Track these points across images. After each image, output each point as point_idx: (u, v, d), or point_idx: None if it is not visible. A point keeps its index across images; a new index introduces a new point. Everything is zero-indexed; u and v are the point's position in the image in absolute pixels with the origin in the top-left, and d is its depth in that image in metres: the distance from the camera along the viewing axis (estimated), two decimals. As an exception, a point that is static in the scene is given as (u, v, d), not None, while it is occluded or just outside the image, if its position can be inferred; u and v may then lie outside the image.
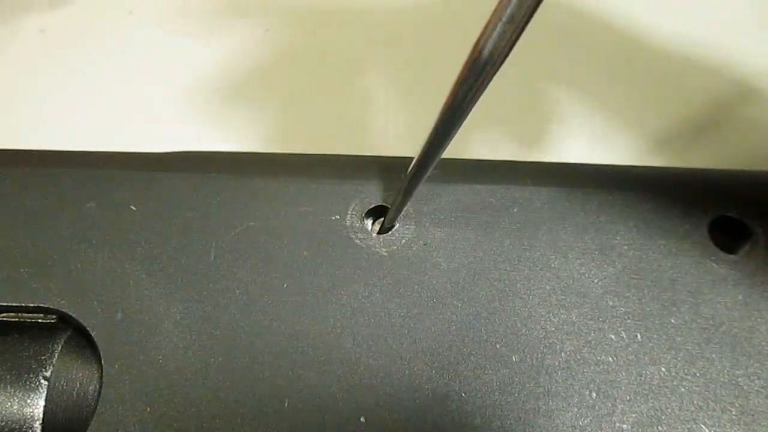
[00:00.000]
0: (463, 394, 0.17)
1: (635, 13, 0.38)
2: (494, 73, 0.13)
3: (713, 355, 0.17)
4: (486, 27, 0.12)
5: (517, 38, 0.12)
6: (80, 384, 0.18)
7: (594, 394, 0.17)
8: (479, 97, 0.14)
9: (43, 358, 0.18)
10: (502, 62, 0.13)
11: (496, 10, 0.12)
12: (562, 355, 0.17)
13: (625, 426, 0.17)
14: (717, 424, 0.17)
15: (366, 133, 0.35)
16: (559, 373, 0.17)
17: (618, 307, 0.18)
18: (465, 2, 0.38)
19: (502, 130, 0.35)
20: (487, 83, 0.13)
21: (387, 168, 0.20)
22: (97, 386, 0.17)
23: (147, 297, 0.18)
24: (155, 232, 0.19)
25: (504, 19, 0.12)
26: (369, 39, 0.38)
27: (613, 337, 0.18)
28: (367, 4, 0.40)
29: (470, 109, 0.14)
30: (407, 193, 0.18)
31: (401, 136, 0.34)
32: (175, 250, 0.19)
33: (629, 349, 0.18)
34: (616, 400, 0.17)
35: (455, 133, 0.15)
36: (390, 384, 0.17)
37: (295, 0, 0.40)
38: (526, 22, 0.12)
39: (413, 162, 0.17)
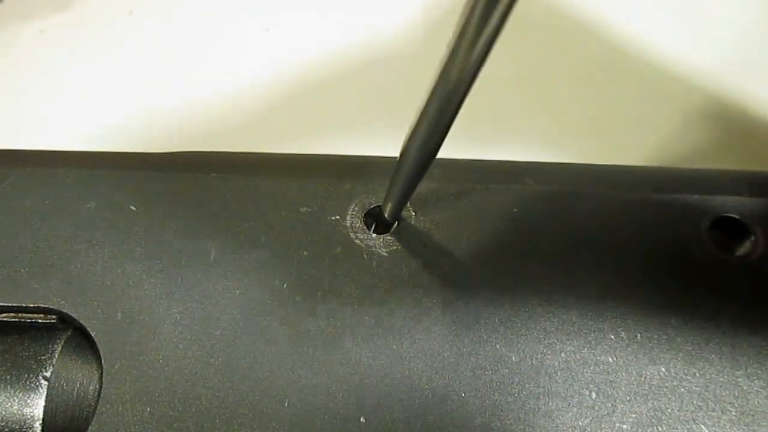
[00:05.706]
0: (463, 394, 0.17)
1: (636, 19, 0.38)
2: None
3: (713, 356, 0.17)
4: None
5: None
6: (80, 384, 0.18)
7: (594, 394, 0.17)
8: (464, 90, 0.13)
9: (43, 358, 0.18)
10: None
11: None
12: (562, 355, 0.17)
13: (624, 426, 0.17)
14: (717, 424, 0.17)
15: (366, 133, 0.35)
16: (558, 373, 0.17)
17: (618, 307, 0.18)
18: None
19: (502, 130, 0.35)
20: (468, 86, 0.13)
21: (388, 168, 0.20)
22: (98, 386, 0.17)
23: (147, 297, 0.18)
24: (155, 232, 0.19)
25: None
26: (371, 37, 0.38)
27: (612, 337, 0.18)
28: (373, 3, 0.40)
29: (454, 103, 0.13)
30: (393, 193, 0.18)
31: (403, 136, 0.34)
32: (175, 250, 0.19)
33: (629, 349, 0.18)
34: (615, 400, 0.17)
35: (438, 129, 0.14)
36: (390, 384, 0.17)
37: None
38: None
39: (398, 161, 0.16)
